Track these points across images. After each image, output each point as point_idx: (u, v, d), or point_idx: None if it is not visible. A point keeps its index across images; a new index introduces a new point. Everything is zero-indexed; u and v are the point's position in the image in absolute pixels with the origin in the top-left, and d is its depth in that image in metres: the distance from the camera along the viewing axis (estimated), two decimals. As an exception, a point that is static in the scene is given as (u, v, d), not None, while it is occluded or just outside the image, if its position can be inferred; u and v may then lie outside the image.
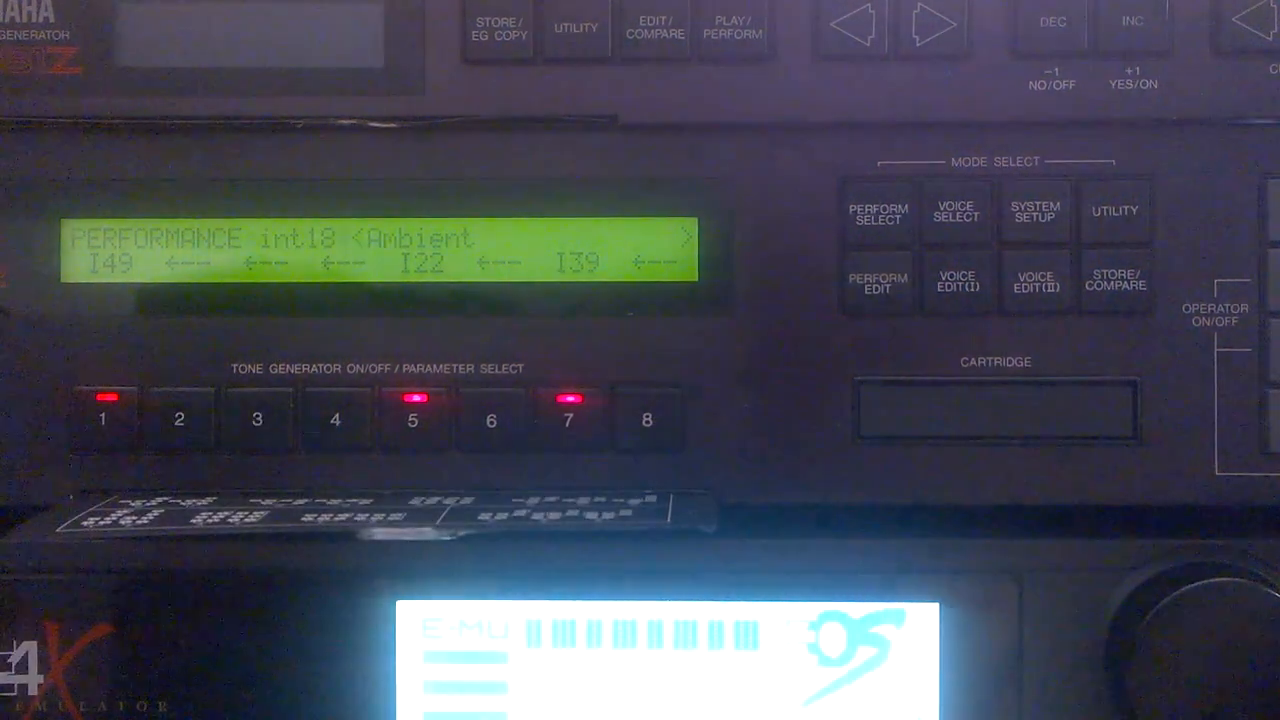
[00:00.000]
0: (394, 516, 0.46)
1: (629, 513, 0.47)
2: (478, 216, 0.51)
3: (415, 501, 0.48)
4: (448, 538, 0.45)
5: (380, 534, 0.45)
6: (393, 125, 0.51)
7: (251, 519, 0.46)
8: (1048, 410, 0.50)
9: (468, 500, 0.49)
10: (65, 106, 0.51)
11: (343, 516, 0.46)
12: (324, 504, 0.48)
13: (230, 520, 0.46)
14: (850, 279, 0.50)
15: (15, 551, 0.49)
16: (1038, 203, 0.50)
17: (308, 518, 0.46)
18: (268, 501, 0.48)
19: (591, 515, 0.46)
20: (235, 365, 0.51)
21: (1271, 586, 0.48)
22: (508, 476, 0.51)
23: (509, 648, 0.50)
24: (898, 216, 0.50)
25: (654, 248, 0.51)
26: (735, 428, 0.51)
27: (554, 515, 0.46)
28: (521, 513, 0.47)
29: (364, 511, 0.47)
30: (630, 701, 0.50)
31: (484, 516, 0.46)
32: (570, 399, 0.50)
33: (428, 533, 0.45)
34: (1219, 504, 0.50)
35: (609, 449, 0.51)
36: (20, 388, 0.51)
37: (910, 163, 0.50)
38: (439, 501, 0.48)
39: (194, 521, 0.45)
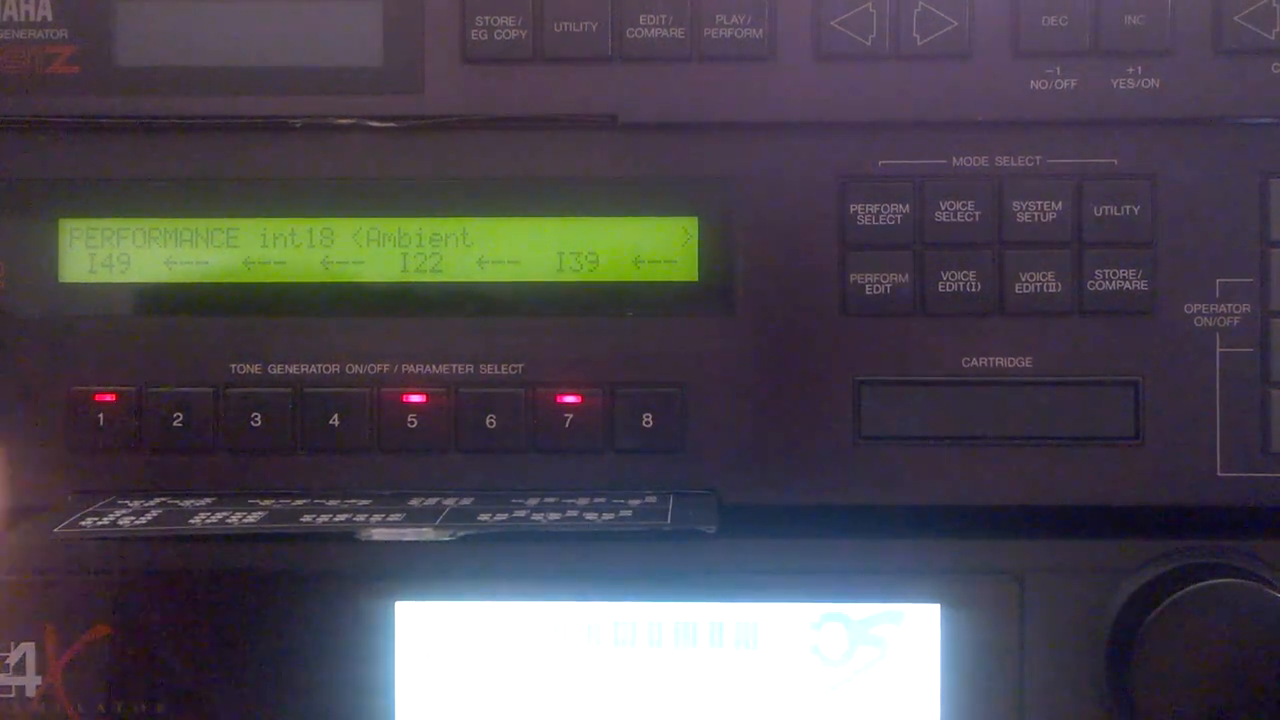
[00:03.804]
0: (393, 517, 0.46)
1: (629, 513, 0.46)
2: (477, 216, 0.51)
3: (414, 502, 0.48)
4: (447, 538, 0.45)
5: (379, 534, 0.45)
6: (391, 125, 0.51)
7: (250, 519, 0.46)
8: (1049, 410, 0.50)
9: (467, 501, 0.48)
10: (63, 106, 0.51)
11: (341, 517, 0.46)
12: (323, 504, 0.48)
13: (229, 521, 0.45)
14: (851, 279, 0.50)
15: (13, 552, 0.49)
16: (1039, 202, 0.50)
17: (306, 518, 0.46)
18: (266, 502, 0.48)
19: (591, 516, 0.46)
20: (234, 365, 0.51)
21: (1273, 587, 0.48)
22: (507, 477, 0.50)
23: (509, 648, 0.50)
24: (898, 216, 0.50)
25: (654, 247, 0.51)
26: (735, 428, 0.50)
27: (554, 516, 0.46)
28: (521, 513, 0.47)
29: (363, 512, 0.47)
30: (630, 701, 0.50)
31: (483, 517, 0.46)
32: (570, 399, 0.50)
33: (426, 533, 0.45)
34: (1221, 504, 0.50)
35: (609, 449, 0.50)
36: (18, 387, 0.51)
37: (911, 162, 0.50)
38: (438, 502, 0.48)
39: (192, 522, 0.45)
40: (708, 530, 0.46)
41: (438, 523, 0.45)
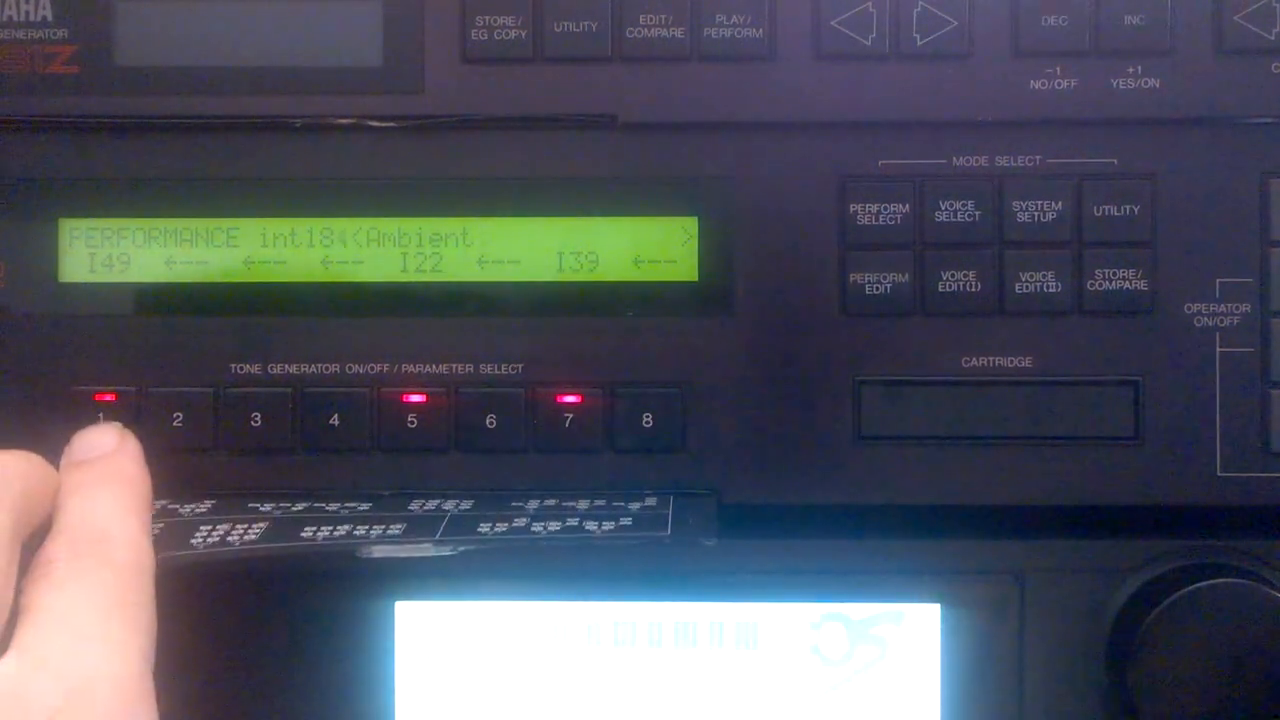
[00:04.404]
0: (393, 529, 0.46)
1: (629, 520, 0.46)
2: (477, 216, 0.51)
3: (414, 506, 0.48)
4: (447, 553, 0.45)
5: (379, 551, 0.45)
6: (391, 125, 0.50)
7: (251, 535, 0.45)
8: (1049, 410, 0.50)
9: (467, 505, 0.48)
10: (63, 106, 0.51)
11: (343, 529, 0.46)
12: (323, 510, 0.48)
13: (229, 538, 0.45)
14: (851, 279, 0.50)
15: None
16: (1039, 202, 0.50)
17: (307, 531, 0.46)
18: (266, 508, 0.48)
19: (591, 525, 0.46)
20: (234, 365, 0.51)
21: (1273, 587, 0.48)
22: (507, 477, 0.50)
23: (508, 648, 0.50)
24: (898, 216, 0.50)
25: (654, 247, 0.51)
26: (735, 428, 0.50)
27: (553, 525, 0.46)
28: (521, 521, 0.46)
29: (364, 522, 0.46)
30: (630, 701, 0.50)
31: (483, 527, 0.46)
32: (570, 399, 0.50)
33: (426, 549, 0.45)
34: (1221, 504, 0.50)
35: (609, 449, 0.50)
36: (18, 388, 0.51)
37: (911, 162, 0.50)
38: (438, 506, 0.48)
39: (194, 542, 0.45)
40: (707, 543, 0.46)
41: (437, 536, 0.45)
